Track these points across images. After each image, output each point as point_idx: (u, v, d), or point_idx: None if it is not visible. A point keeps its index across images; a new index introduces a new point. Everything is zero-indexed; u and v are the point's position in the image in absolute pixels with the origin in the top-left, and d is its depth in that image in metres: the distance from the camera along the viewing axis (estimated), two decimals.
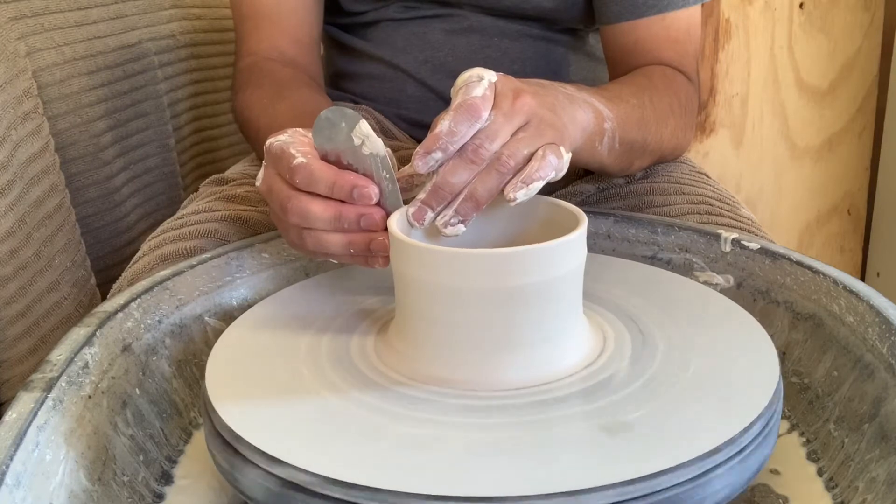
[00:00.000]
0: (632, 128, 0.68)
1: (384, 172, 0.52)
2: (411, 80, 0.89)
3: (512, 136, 0.53)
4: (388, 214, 0.52)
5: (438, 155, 0.51)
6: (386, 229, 0.52)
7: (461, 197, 0.52)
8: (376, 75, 0.91)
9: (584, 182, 0.79)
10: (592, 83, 0.85)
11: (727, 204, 0.76)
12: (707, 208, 0.74)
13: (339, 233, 0.53)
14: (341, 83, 0.95)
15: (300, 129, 0.57)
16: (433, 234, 0.53)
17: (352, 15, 0.91)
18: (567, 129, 0.57)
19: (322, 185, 0.52)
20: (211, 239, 0.68)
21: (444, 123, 0.51)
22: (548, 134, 0.53)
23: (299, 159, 0.53)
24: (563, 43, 0.91)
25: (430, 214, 0.52)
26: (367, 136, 0.52)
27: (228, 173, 0.82)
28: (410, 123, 0.91)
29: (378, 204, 0.53)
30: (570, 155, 0.54)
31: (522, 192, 0.51)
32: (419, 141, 0.88)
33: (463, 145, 0.51)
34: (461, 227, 0.52)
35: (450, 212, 0.52)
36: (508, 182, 0.52)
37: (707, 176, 0.82)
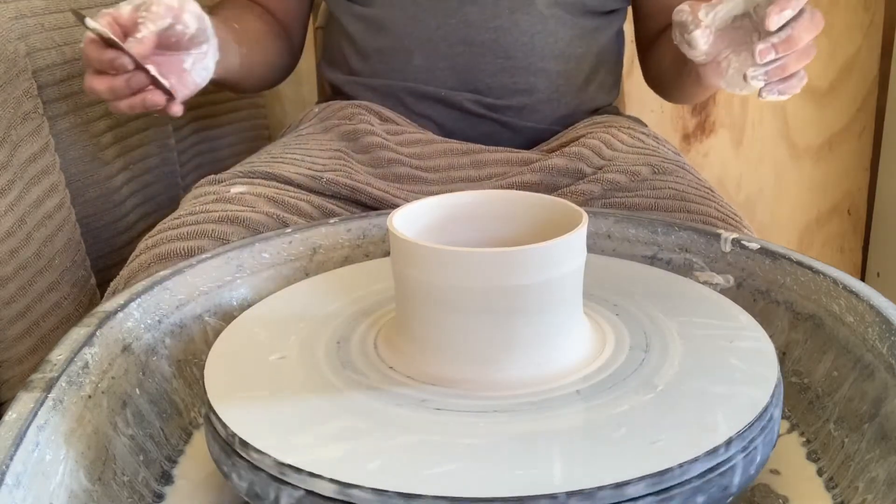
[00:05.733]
0: None
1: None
2: (420, 49, 0.91)
3: None
4: (138, 66, 0.68)
5: (789, 13, 0.64)
6: (148, 78, 0.69)
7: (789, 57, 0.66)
8: (385, 48, 0.92)
9: (587, 182, 0.79)
10: (614, 55, 0.99)
11: (730, 224, 0.77)
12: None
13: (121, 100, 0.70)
14: (353, 60, 0.96)
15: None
16: (435, 231, 0.53)
17: None
18: None
19: (93, 65, 0.69)
20: (209, 239, 0.68)
21: None
22: None
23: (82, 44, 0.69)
24: (585, 17, 0.94)
25: (773, 55, 0.65)
26: (88, 24, 0.67)
27: (221, 174, 0.82)
28: (417, 97, 0.92)
29: (138, 68, 0.68)
30: None
31: (773, 96, 0.69)
32: (419, 123, 0.92)
33: (810, 14, 0.65)
34: (778, 96, 0.69)
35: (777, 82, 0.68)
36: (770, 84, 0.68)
37: (712, 190, 0.82)
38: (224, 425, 0.44)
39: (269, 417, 0.45)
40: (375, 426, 0.44)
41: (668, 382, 0.47)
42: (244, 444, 0.43)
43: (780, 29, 0.65)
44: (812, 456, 0.51)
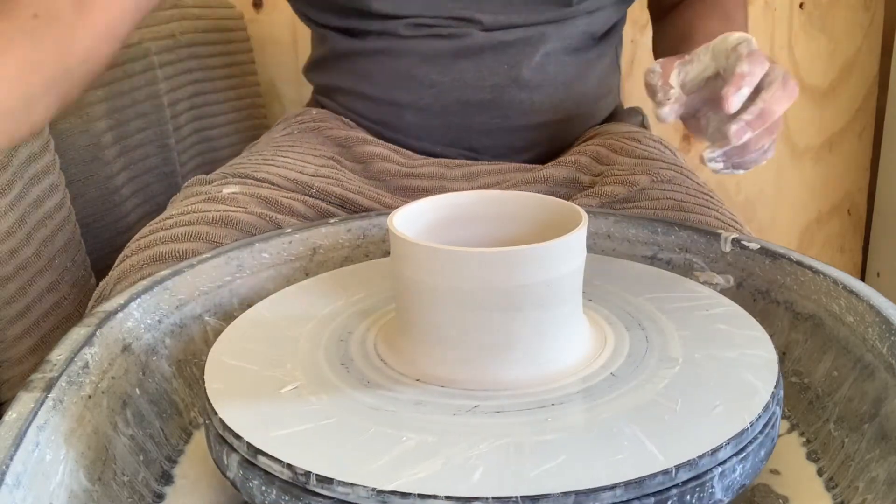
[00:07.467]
0: None
1: None
2: (411, 107, 0.87)
3: None
4: None
5: (746, 90, 0.59)
6: None
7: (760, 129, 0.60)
8: (374, 97, 0.89)
9: (585, 196, 0.79)
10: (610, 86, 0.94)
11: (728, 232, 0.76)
12: None
13: None
14: (339, 98, 0.93)
15: None
16: (435, 231, 0.53)
17: (361, 17, 0.86)
18: None
19: None
20: (202, 242, 0.68)
21: (742, 66, 0.60)
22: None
23: None
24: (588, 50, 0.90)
25: (749, 134, 0.60)
26: None
27: (211, 175, 0.82)
28: (407, 147, 0.89)
29: None
30: None
31: (728, 171, 0.65)
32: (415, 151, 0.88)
33: (782, 82, 0.61)
34: (733, 171, 0.65)
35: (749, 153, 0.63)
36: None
37: (711, 196, 0.81)
38: (224, 425, 0.44)
39: (269, 417, 0.45)
40: (376, 426, 0.44)
41: (667, 383, 0.47)
42: (244, 444, 0.42)
43: (753, 102, 0.60)
44: (812, 456, 0.51)
